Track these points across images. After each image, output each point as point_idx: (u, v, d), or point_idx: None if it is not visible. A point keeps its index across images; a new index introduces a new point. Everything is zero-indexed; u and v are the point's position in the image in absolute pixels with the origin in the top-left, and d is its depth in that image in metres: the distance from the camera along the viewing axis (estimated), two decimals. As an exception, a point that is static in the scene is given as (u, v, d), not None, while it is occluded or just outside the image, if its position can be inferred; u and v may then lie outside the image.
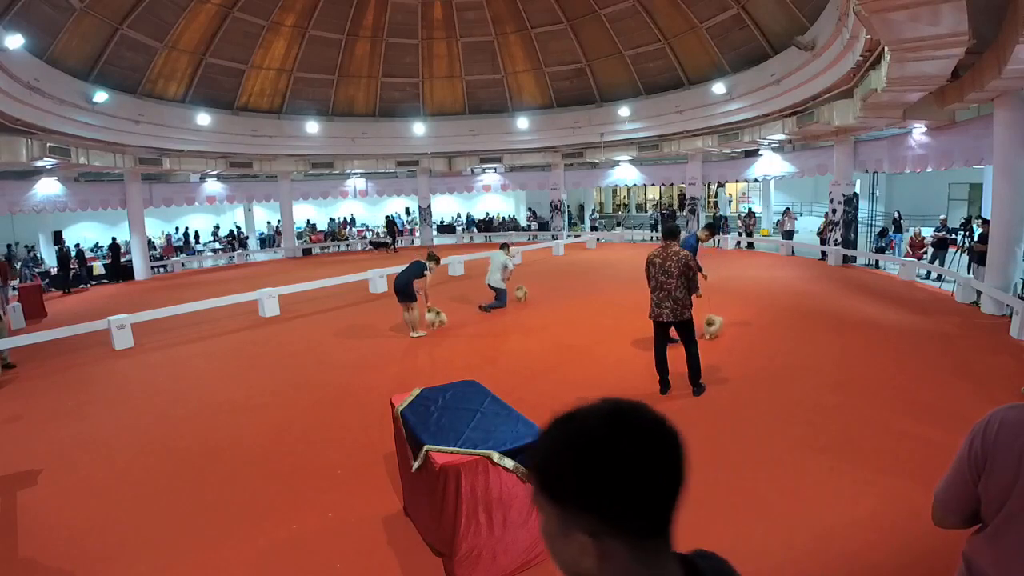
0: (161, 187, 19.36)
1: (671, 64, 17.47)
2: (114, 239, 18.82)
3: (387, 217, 24.62)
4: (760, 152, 18.19)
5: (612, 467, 0.72)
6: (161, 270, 19.51)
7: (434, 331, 8.67)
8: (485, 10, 18.05)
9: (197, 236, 24.16)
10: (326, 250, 23.52)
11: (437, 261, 8.62)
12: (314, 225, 26.59)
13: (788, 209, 18.79)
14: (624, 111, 18.62)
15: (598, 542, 0.73)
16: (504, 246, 10.48)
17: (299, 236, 24.35)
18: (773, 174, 18.55)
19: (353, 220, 27.68)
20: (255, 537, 3.54)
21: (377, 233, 25.31)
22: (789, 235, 17.21)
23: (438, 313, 8.86)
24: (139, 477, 4.50)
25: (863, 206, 16.05)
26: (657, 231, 22.55)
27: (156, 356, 8.30)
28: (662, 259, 5.38)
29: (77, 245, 19.35)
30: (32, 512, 4.01)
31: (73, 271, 16.76)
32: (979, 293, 9.24)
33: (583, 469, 0.72)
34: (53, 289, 15.47)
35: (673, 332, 5.75)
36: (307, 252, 22.73)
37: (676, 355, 5.73)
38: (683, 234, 6.46)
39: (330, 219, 27.02)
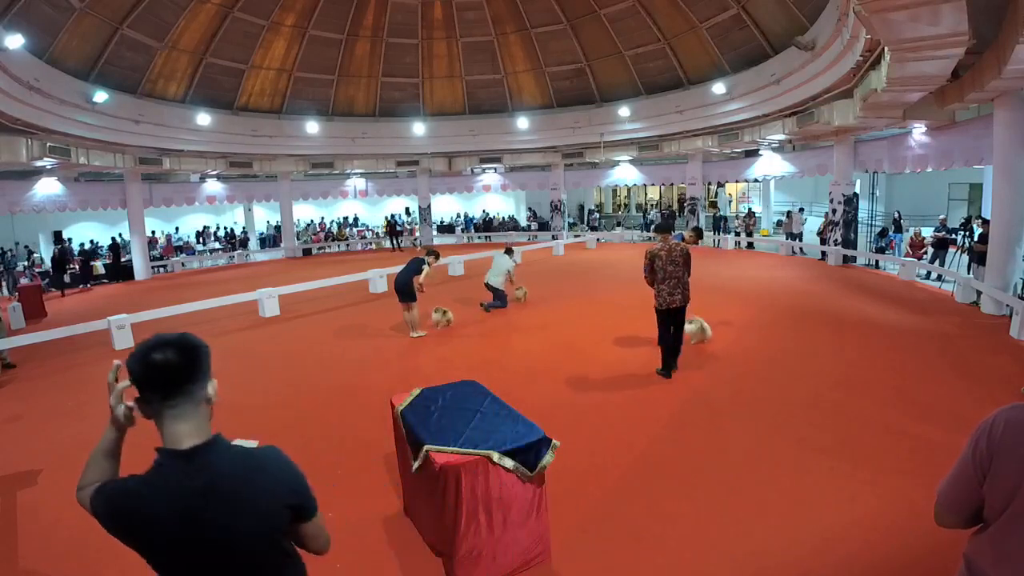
0: (161, 187, 19.38)
1: (671, 64, 17.47)
2: (114, 239, 18.82)
3: (386, 218, 24.73)
4: (760, 152, 18.20)
5: (140, 363, 1.32)
6: (161, 270, 19.52)
7: (437, 331, 8.66)
8: (485, 10, 18.04)
9: (203, 234, 24.20)
10: (323, 250, 23.53)
11: (436, 256, 8.59)
12: (319, 224, 26.57)
13: (801, 210, 18.81)
14: (624, 111, 18.62)
15: (148, 406, 1.36)
16: (509, 250, 10.47)
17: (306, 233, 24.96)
18: (773, 174, 18.55)
19: (356, 220, 27.70)
20: (255, 537, 3.54)
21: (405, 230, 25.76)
22: (794, 236, 17.23)
23: (444, 313, 8.86)
24: (139, 477, 4.49)
25: (863, 206, 16.05)
26: (648, 230, 22.66)
27: (156, 356, 8.29)
28: (667, 251, 5.87)
29: (81, 245, 19.36)
30: (32, 512, 4.02)
31: (72, 271, 16.75)
32: (979, 293, 9.24)
33: (135, 366, 1.33)
34: (53, 289, 15.46)
35: None
36: (307, 252, 22.74)
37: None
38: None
39: (318, 220, 27.00)
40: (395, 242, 22.66)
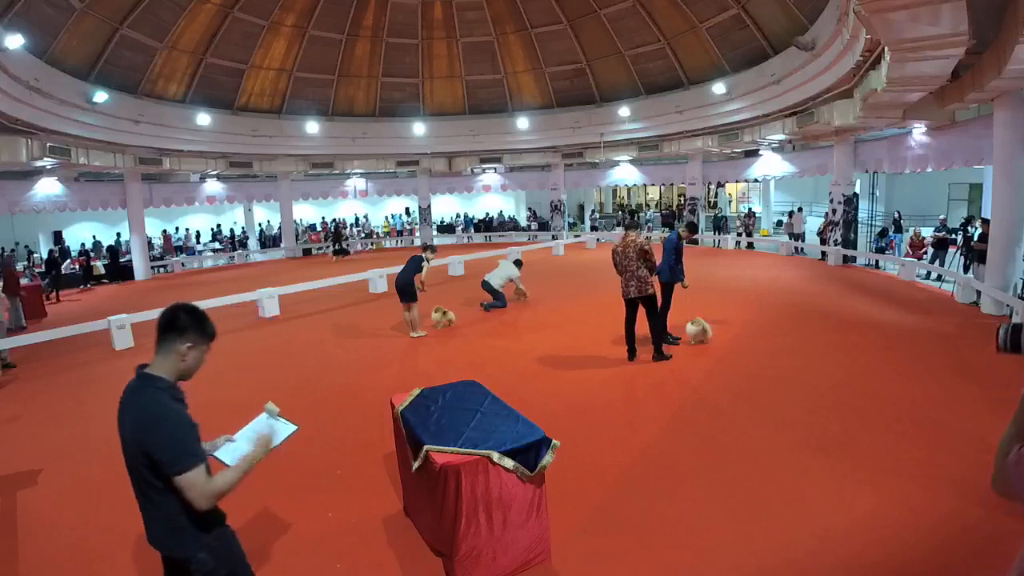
0: (161, 187, 19.37)
1: (671, 64, 17.47)
2: (95, 239, 18.57)
3: (333, 220, 23.30)
4: (760, 152, 18.20)
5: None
6: (161, 270, 19.52)
7: (437, 331, 8.66)
8: (485, 10, 18.05)
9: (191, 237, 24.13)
10: (323, 250, 23.51)
11: (433, 250, 8.60)
12: (323, 224, 26.34)
13: (800, 209, 18.81)
14: (624, 111, 18.63)
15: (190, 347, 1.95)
16: (518, 263, 10.61)
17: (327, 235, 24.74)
18: (773, 174, 18.56)
19: (357, 220, 27.66)
20: (255, 537, 3.54)
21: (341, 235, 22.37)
22: (797, 236, 17.22)
23: (445, 313, 8.85)
24: (139, 477, 4.49)
25: (863, 206, 16.04)
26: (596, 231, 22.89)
27: (156, 356, 8.28)
28: (623, 247, 6.40)
29: (83, 245, 19.35)
30: (32, 512, 4.01)
31: (72, 271, 16.71)
32: (978, 293, 9.25)
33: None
34: (50, 290, 15.42)
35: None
36: (307, 252, 22.72)
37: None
38: (659, 231, 6.80)
39: (318, 221, 26.65)
40: (338, 247, 19.95)
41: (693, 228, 8.39)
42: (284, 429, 2.36)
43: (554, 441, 3.07)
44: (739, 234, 19.65)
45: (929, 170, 12.56)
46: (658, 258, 6.62)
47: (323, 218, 26.70)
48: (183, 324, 1.94)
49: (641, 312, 6.56)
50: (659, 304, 6.81)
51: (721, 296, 10.29)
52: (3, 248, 18.71)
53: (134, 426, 1.85)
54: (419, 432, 3.13)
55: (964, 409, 5.07)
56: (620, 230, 23.02)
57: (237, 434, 2.31)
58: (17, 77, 10.48)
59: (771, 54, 14.33)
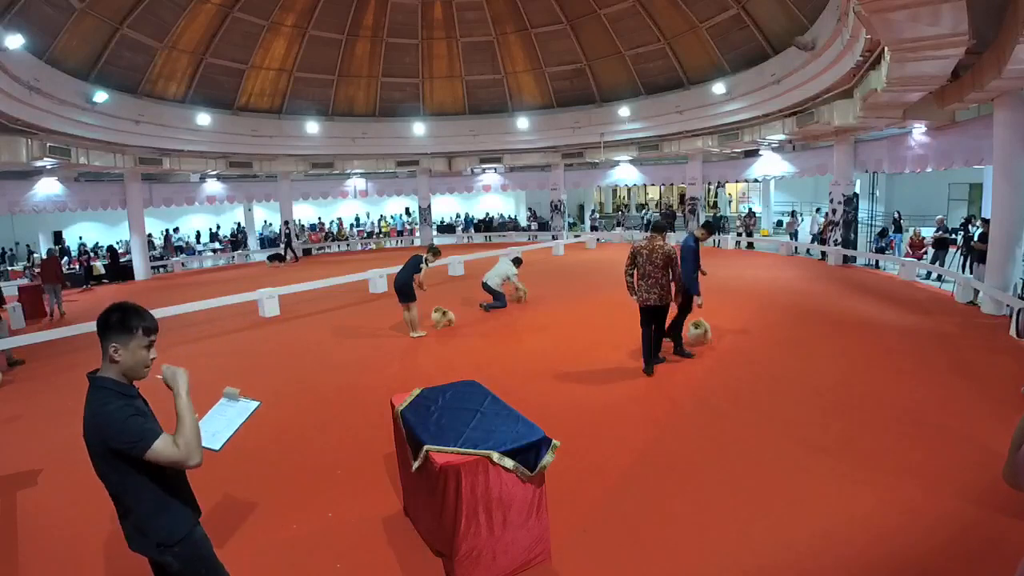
0: (161, 187, 19.39)
1: (671, 64, 17.47)
2: (81, 240, 18.37)
3: (284, 222, 21.68)
4: (760, 152, 18.20)
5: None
6: (161, 270, 19.52)
7: (436, 331, 8.66)
8: (485, 10, 18.05)
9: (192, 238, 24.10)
10: (323, 250, 23.52)
11: (436, 253, 8.49)
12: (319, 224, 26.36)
13: (818, 210, 18.81)
14: (624, 111, 18.63)
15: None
16: (517, 260, 10.59)
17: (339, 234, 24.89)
18: (773, 174, 18.56)
19: (358, 220, 27.67)
20: (255, 537, 3.54)
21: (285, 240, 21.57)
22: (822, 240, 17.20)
23: (444, 313, 8.85)
24: (139, 477, 4.48)
25: (863, 206, 16.05)
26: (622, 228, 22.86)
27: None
28: (649, 250, 5.93)
29: (82, 245, 19.36)
30: (32, 512, 4.01)
31: (71, 270, 16.73)
32: (975, 292, 9.26)
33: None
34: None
35: None
36: (307, 252, 22.73)
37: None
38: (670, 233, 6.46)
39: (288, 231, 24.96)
40: (274, 253, 19.72)
41: (710, 228, 7.61)
42: (247, 406, 2.53)
43: (554, 441, 3.07)
44: (739, 234, 19.65)
45: (929, 170, 12.57)
46: None
47: (248, 222, 23.98)
48: (108, 325, 1.98)
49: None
50: (675, 313, 6.70)
51: (721, 296, 10.28)
52: (51, 248, 18.63)
53: (88, 427, 1.95)
54: (419, 432, 3.13)
55: (964, 409, 5.07)
56: (619, 230, 23.19)
57: (202, 420, 2.35)
58: (17, 77, 10.48)
59: (771, 54, 14.33)
